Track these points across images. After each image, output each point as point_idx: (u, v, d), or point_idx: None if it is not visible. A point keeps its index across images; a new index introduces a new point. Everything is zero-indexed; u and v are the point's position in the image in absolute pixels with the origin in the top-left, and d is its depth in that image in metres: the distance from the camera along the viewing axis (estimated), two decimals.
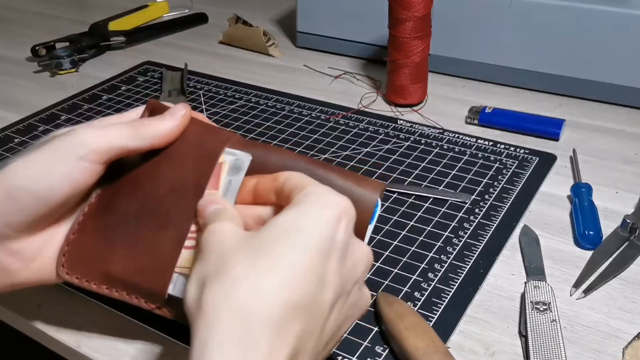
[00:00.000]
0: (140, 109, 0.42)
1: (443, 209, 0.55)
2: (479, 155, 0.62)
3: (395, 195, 0.57)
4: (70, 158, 0.36)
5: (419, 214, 0.54)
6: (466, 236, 0.51)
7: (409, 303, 0.45)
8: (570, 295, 0.46)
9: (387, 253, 0.50)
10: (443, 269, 0.48)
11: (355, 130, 0.68)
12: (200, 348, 0.27)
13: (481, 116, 0.68)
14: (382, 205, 0.54)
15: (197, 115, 0.42)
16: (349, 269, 0.33)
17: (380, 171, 0.60)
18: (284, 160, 0.38)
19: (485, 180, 0.58)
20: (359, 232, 0.35)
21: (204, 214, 0.36)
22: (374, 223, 0.37)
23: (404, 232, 0.52)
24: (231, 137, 0.40)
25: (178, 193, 0.38)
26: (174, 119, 0.39)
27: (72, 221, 0.39)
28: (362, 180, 0.37)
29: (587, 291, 0.46)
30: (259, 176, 0.37)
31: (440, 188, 0.58)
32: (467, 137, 0.66)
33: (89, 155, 0.36)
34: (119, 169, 0.40)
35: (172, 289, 0.37)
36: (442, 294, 0.46)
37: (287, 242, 0.30)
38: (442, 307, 0.45)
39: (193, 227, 0.37)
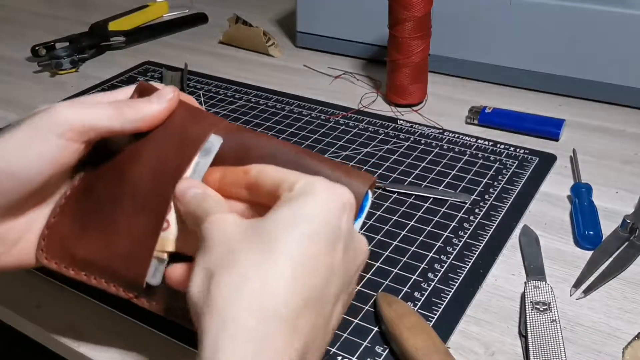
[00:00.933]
0: (129, 88, 0.40)
1: (443, 209, 0.55)
2: (479, 156, 0.62)
3: (395, 195, 0.57)
4: (48, 136, 0.34)
5: (419, 214, 0.54)
6: (466, 236, 0.51)
7: (409, 303, 0.45)
8: (570, 295, 0.46)
9: (387, 253, 0.50)
10: (443, 269, 0.48)
11: (355, 130, 0.68)
12: (212, 343, 0.27)
13: (481, 116, 0.68)
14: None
15: (187, 98, 0.41)
16: (352, 258, 0.32)
17: (380, 171, 0.60)
18: (272, 147, 0.37)
19: (485, 181, 0.58)
20: None
21: (185, 199, 0.35)
22: (363, 217, 0.36)
23: (404, 232, 0.52)
24: (218, 123, 0.38)
25: (158, 177, 0.37)
26: (161, 102, 0.38)
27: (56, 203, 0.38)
28: (351, 171, 0.36)
29: (587, 291, 0.46)
30: (226, 168, 0.36)
31: (440, 188, 0.58)
32: (467, 137, 0.66)
33: (67, 133, 0.35)
34: (105, 152, 0.38)
35: (151, 278, 0.36)
36: (442, 294, 0.46)
37: (294, 232, 0.29)
38: (442, 307, 0.45)
39: (168, 214, 0.36)
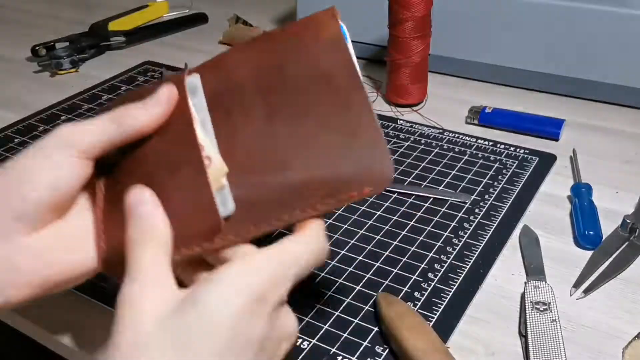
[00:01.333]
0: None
1: (443, 209, 0.55)
2: (479, 155, 0.62)
3: (395, 195, 0.57)
4: (54, 155, 0.35)
5: (419, 214, 0.54)
6: (466, 236, 0.51)
7: (409, 303, 0.45)
8: (570, 295, 0.46)
9: (387, 253, 0.50)
10: (443, 269, 0.48)
11: None
12: None
13: (481, 116, 0.68)
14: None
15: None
16: (269, 355, 0.31)
17: None
18: (245, 57, 0.39)
19: (485, 180, 0.58)
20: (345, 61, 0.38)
21: (132, 216, 0.34)
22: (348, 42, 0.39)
23: (404, 232, 0.52)
24: (185, 72, 0.40)
25: (173, 136, 0.37)
26: (158, 105, 0.37)
27: (78, 214, 0.38)
28: (308, 18, 0.40)
29: (587, 291, 0.46)
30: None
31: (440, 188, 0.58)
32: (467, 137, 0.66)
33: (72, 151, 0.35)
34: (112, 157, 0.39)
35: (223, 209, 0.36)
36: (442, 294, 0.46)
37: (195, 345, 0.28)
38: (442, 307, 0.45)
39: (203, 153, 0.36)
